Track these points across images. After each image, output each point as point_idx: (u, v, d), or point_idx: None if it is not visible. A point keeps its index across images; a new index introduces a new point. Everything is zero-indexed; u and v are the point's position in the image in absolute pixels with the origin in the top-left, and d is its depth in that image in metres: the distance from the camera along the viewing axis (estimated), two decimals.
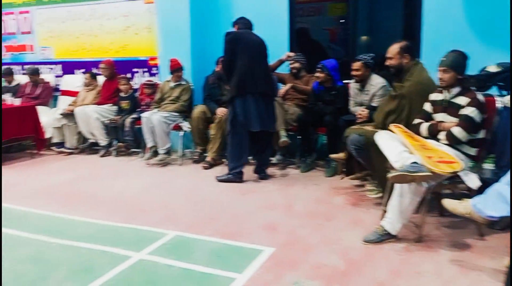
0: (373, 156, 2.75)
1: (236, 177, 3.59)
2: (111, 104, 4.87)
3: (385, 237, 2.35)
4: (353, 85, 3.72)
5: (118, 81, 4.85)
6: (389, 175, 2.24)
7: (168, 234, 2.53)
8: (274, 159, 4.14)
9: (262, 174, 3.71)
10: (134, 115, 4.60)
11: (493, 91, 2.91)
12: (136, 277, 2.05)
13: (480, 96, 2.43)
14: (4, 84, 5.51)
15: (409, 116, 2.74)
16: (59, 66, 5.71)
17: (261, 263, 2.15)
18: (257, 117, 3.47)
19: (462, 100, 2.44)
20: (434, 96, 2.61)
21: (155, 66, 5.08)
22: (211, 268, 2.11)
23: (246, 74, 3.44)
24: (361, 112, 3.34)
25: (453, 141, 2.42)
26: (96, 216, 2.87)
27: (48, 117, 4.93)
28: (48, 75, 5.61)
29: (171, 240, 2.47)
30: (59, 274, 2.08)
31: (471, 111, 2.38)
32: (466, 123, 2.39)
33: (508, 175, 1.94)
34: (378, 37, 5.20)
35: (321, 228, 2.61)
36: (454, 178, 2.35)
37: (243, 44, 3.48)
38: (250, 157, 4.00)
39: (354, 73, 3.56)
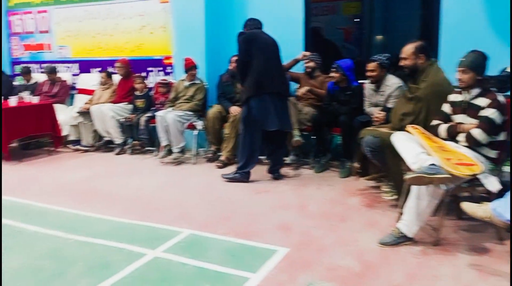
0: (389, 158, 2.72)
1: (243, 176, 3.59)
2: (126, 103, 4.92)
3: (401, 239, 2.32)
4: (368, 86, 3.68)
5: (133, 80, 4.90)
6: (407, 176, 2.20)
7: (182, 233, 2.55)
8: (288, 159, 4.13)
9: (276, 174, 3.70)
10: (149, 114, 4.64)
11: None
12: (152, 274, 2.06)
13: (500, 97, 2.38)
14: (22, 82, 5.63)
15: (426, 118, 2.69)
16: (76, 65, 5.80)
17: (275, 263, 2.14)
18: (275, 116, 3.46)
19: (482, 101, 2.39)
20: (453, 97, 2.57)
21: (170, 65, 5.12)
22: (225, 267, 2.11)
23: (263, 73, 3.43)
24: (377, 115, 3.29)
25: (472, 143, 2.38)
26: (111, 213, 2.90)
27: (65, 115, 5.01)
28: (65, 74, 5.70)
29: (185, 238, 2.48)
30: (76, 270, 2.11)
31: (491, 113, 2.33)
32: (486, 124, 2.34)
33: None
34: (393, 37, 5.14)
35: (336, 229, 2.59)
36: (473, 181, 2.30)
37: (258, 44, 3.47)
38: (263, 157, 4.00)
39: (369, 74, 3.53)
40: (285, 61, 4.03)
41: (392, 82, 3.49)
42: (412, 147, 2.38)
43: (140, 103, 4.84)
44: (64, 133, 4.97)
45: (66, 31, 5.79)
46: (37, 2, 5.94)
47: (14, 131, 4.39)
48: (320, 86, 4.17)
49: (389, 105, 3.40)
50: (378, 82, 3.55)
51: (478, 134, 2.35)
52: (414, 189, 2.29)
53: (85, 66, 5.72)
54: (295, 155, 4.19)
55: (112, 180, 3.78)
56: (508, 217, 1.91)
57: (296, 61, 4.26)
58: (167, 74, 5.18)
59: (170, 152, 4.34)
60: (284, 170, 3.84)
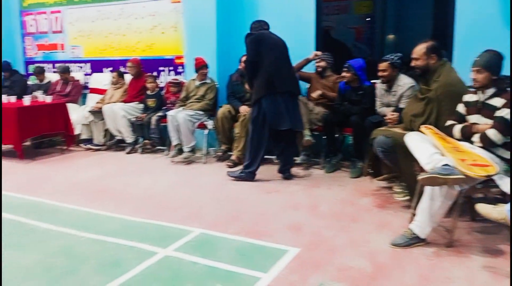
0: (401, 159, 2.69)
1: (248, 176, 3.59)
2: (138, 102, 4.95)
3: (414, 240, 2.29)
4: (379, 86, 3.65)
5: (144, 79, 4.93)
6: (420, 177, 2.18)
7: (193, 232, 2.55)
8: (298, 159, 4.12)
9: (286, 174, 3.69)
10: (160, 113, 4.67)
11: None
12: (162, 273, 2.07)
13: None
14: (36, 81, 5.71)
15: (437, 120, 2.66)
16: (88, 65, 5.86)
17: (286, 263, 2.14)
18: (287, 115, 3.46)
19: (497, 102, 2.35)
20: (468, 97, 2.53)
21: (181, 64, 5.14)
22: (236, 266, 2.11)
23: (273, 73, 3.43)
24: (390, 116, 3.25)
25: (487, 144, 2.34)
26: (122, 212, 2.92)
27: (77, 114, 5.07)
28: (77, 73, 5.77)
29: (196, 237, 2.49)
30: (88, 267, 2.13)
31: (507, 113, 2.29)
32: (502, 125, 2.30)
33: None
34: (405, 36, 5.08)
35: (347, 230, 2.57)
36: (488, 182, 2.27)
37: (266, 44, 3.46)
38: (273, 157, 3.99)
39: (380, 73, 3.49)
40: (296, 61, 4.02)
41: (404, 82, 3.45)
42: (426, 147, 2.35)
43: (151, 102, 4.87)
44: (76, 132, 5.03)
45: (79, 31, 5.86)
46: (50, 2, 6.02)
47: (28, 129, 4.45)
48: (332, 86, 4.14)
49: (401, 105, 3.36)
50: (389, 82, 3.51)
51: (493, 134, 2.31)
52: (427, 189, 2.26)
53: (97, 65, 5.78)
54: (305, 155, 4.17)
55: (123, 179, 3.81)
56: None
57: (308, 61, 4.24)
58: (178, 73, 5.20)
59: (180, 151, 4.36)
60: (294, 170, 3.83)
